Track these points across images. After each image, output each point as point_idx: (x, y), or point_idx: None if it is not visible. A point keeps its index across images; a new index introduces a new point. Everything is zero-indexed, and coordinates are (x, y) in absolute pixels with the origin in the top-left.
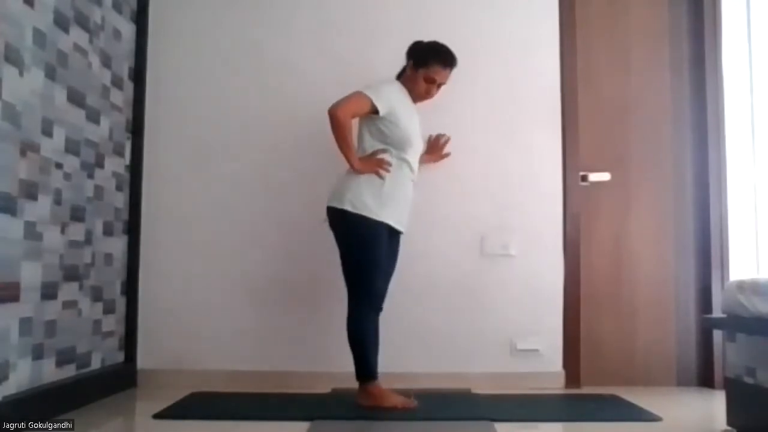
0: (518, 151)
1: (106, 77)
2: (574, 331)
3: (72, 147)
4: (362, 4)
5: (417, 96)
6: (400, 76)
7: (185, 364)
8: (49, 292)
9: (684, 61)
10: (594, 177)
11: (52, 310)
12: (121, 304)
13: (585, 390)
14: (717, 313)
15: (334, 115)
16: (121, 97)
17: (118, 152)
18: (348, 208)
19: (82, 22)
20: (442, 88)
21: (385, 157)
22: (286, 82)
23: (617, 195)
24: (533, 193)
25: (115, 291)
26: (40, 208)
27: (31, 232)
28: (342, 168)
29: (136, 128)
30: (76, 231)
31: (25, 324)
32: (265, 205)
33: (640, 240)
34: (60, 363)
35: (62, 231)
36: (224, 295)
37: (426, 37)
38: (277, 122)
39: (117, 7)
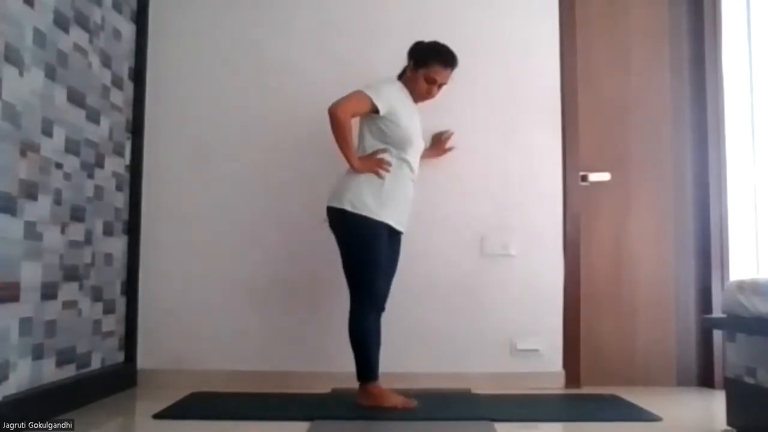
0: (518, 151)
1: (106, 77)
2: (574, 331)
3: (72, 147)
4: (362, 4)
5: (418, 96)
6: (402, 77)
7: (185, 364)
8: (49, 292)
9: (684, 61)
10: (594, 177)
11: (52, 310)
12: (121, 304)
13: (585, 390)
14: (717, 313)
15: (334, 114)
16: (121, 97)
17: (118, 152)
18: (348, 207)
19: (82, 22)
20: (443, 88)
21: (385, 156)
22: (286, 82)
23: (617, 195)
24: (533, 193)
25: (115, 291)
26: (40, 208)
27: (31, 232)
28: (342, 168)
29: (136, 128)
30: (76, 231)
31: (25, 324)
32: (265, 205)
33: (640, 240)
34: (60, 363)
35: (62, 231)
36: (224, 295)
37: (426, 37)
38: (277, 122)
39: (117, 7)
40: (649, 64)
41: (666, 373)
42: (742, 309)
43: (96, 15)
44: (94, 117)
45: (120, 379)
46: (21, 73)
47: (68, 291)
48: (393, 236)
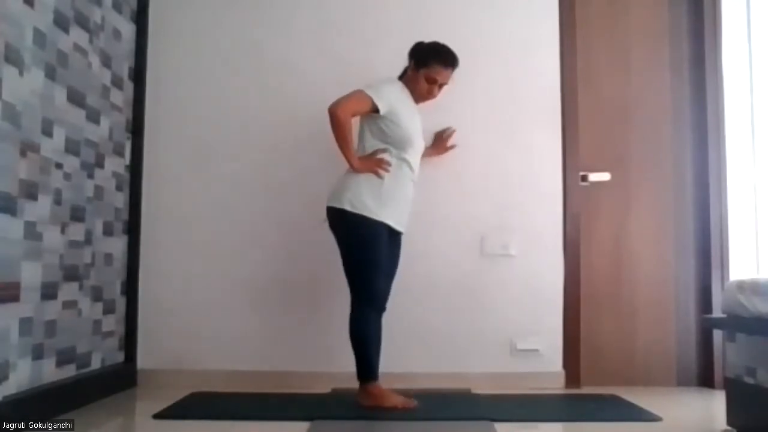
0: (518, 151)
1: (106, 77)
2: (574, 331)
3: (72, 147)
4: (362, 4)
5: (419, 96)
6: (402, 77)
7: (185, 364)
8: (49, 292)
9: (684, 61)
10: (594, 177)
11: (52, 310)
12: (121, 304)
13: (585, 390)
14: (717, 313)
15: (334, 113)
16: (121, 97)
17: (118, 152)
18: (347, 207)
19: (82, 22)
20: (444, 88)
21: (385, 156)
22: (286, 82)
23: (617, 195)
24: (533, 193)
25: (115, 291)
26: (40, 208)
27: (31, 232)
28: (342, 168)
29: (136, 128)
30: (76, 231)
31: (25, 324)
32: (265, 205)
33: (640, 240)
34: (60, 363)
35: (62, 231)
36: (224, 295)
37: (426, 37)
38: (277, 122)
39: (117, 7)
40: (649, 64)
41: (666, 373)
42: (742, 309)
43: (96, 15)
44: (94, 117)
45: (120, 379)
46: (21, 73)
47: (68, 291)
48: (393, 236)
